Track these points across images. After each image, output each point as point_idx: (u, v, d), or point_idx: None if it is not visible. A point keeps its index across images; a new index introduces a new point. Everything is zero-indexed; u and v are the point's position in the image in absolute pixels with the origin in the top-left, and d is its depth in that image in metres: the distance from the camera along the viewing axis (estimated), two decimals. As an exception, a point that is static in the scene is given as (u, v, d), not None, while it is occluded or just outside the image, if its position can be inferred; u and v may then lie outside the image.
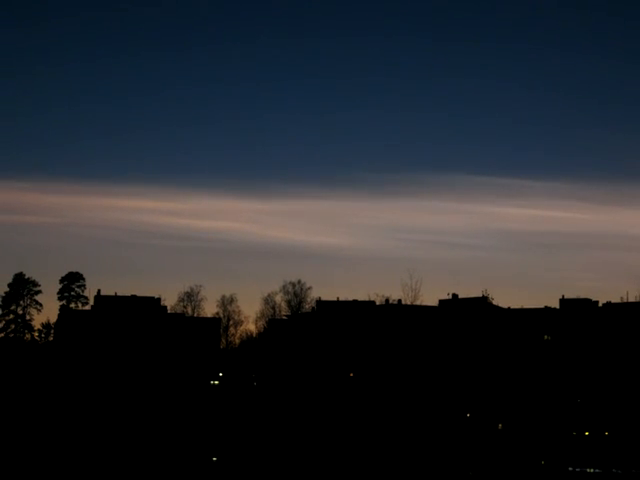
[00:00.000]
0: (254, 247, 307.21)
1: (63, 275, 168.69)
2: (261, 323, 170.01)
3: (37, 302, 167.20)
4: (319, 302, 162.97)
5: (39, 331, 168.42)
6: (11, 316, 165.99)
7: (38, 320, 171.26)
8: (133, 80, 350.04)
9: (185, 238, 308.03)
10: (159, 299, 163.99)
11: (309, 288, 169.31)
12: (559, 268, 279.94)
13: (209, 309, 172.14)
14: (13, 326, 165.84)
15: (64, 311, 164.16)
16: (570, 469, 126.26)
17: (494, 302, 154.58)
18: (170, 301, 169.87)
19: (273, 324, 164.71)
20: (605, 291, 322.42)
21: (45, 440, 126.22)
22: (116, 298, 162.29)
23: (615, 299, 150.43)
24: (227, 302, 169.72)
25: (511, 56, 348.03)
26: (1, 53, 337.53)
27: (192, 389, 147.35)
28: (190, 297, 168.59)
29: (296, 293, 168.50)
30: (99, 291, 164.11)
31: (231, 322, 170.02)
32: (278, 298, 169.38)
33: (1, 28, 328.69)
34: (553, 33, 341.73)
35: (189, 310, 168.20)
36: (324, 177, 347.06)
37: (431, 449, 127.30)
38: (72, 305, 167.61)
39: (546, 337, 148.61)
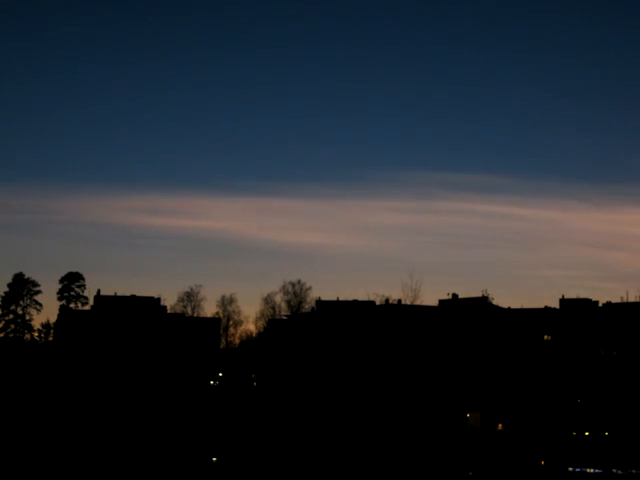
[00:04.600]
0: (254, 247, 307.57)
1: (63, 275, 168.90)
2: (261, 323, 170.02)
3: (37, 302, 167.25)
4: (319, 302, 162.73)
5: (39, 331, 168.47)
6: (11, 316, 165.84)
7: (38, 320, 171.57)
8: (136, 83, 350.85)
9: (185, 238, 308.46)
10: (159, 299, 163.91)
11: (309, 288, 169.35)
12: (559, 267, 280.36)
13: (209, 309, 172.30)
14: (13, 326, 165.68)
15: (64, 311, 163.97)
16: (570, 469, 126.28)
17: (494, 302, 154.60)
18: (170, 301, 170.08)
19: (273, 324, 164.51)
20: (605, 291, 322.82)
21: (45, 440, 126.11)
22: (116, 298, 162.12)
23: (615, 299, 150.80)
24: (227, 302, 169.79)
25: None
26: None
27: (192, 389, 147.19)
28: (190, 297, 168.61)
29: (296, 293, 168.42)
30: (99, 291, 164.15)
31: (231, 322, 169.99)
32: (278, 298, 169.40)
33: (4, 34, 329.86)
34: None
35: (189, 310, 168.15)
36: (324, 177, 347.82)
37: (431, 449, 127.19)
38: (72, 305, 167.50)
39: (546, 337, 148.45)
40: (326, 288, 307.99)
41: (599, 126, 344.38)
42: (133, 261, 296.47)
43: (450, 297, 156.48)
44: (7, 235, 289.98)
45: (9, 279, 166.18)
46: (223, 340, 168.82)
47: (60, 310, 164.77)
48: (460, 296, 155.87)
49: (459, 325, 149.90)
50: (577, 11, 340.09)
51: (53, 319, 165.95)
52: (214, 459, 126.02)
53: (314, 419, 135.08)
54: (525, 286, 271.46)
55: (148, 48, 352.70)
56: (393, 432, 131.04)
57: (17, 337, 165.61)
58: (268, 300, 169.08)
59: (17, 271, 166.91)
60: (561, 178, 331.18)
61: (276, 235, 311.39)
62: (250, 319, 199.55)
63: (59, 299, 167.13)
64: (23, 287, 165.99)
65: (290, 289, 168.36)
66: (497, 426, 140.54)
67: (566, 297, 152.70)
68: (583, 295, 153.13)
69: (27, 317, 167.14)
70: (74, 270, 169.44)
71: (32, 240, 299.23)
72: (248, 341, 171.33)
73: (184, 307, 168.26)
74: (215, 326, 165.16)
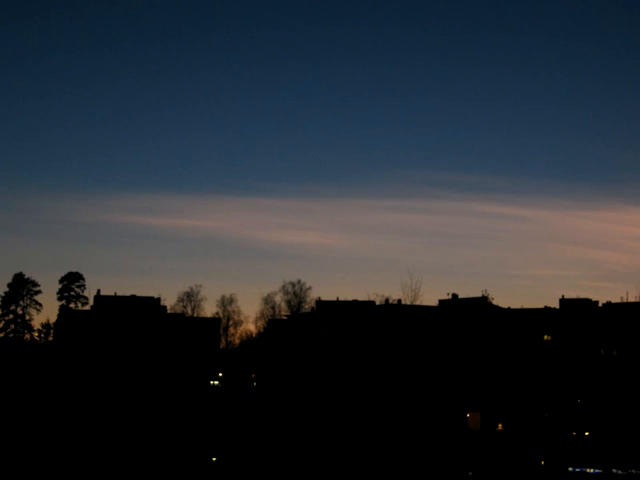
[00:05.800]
0: (254, 247, 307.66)
1: (63, 275, 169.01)
2: (261, 323, 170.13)
3: (37, 302, 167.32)
4: (319, 302, 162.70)
5: (39, 331, 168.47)
6: (11, 316, 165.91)
7: (38, 320, 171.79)
8: (136, 82, 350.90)
9: (185, 238, 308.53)
10: (159, 299, 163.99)
11: (309, 288, 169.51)
12: (558, 267, 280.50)
13: (209, 309, 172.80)
14: (13, 326, 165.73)
15: (64, 311, 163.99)
16: (570, 469, 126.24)
17: (494, 302, 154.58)
18: (170, 301, 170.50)
19: (273, 324, 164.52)
20: (605, 291, 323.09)
21: (45, 440, 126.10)
22: (116, 298, 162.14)
23: (615, 299, 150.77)
24: (227, 302, 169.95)
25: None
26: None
27: (192, 389, 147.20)
28: (190, 297, 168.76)
29: (296, 293, 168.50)
30: (99, 291, 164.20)
31: (231, 322, 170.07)
32: (278, 298, 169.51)
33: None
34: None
35: (189, 310, 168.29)
36: (324, 177, 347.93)
37: (431, 449, 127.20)
38: (72, 305, 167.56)
39: (546, 337, 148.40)
40: (326, 288, 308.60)
41: (599, 126, 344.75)
42: (133, 261, 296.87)
43: (450, 297, 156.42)
44: (7, 235, 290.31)
45: (9, 279, 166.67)
46: (223, 340, 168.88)
47: (60, 310, 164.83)
48: (460, 296, 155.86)
49: (459, 325, 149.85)
50: (576, 12, 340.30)
51: (53, 319, 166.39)
52: (214, 459, 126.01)
53: (314, 419, 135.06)
54: (525, 286, 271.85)
55: (146, 47, 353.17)
56: (393, 432, 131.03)
57: (17, 337, 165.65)
58: (268, 300, 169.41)
59: (17, 271, 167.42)
60: (561, 178, 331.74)
61: (276, 235, 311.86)
62: (250, 319, 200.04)
63: (59, 299, 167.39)
64: (23, 287, 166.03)
65: (290, 289, 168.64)
66: (497, 426, 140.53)
67: (566, 297, 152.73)
68: (583, 295, 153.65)
69: (27, 317, 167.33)
70: (74, 270, 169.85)
71: (32, 240, 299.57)
72: (248, 341, 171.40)
73: (184, 307, 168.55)
74: (215, 326, 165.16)
